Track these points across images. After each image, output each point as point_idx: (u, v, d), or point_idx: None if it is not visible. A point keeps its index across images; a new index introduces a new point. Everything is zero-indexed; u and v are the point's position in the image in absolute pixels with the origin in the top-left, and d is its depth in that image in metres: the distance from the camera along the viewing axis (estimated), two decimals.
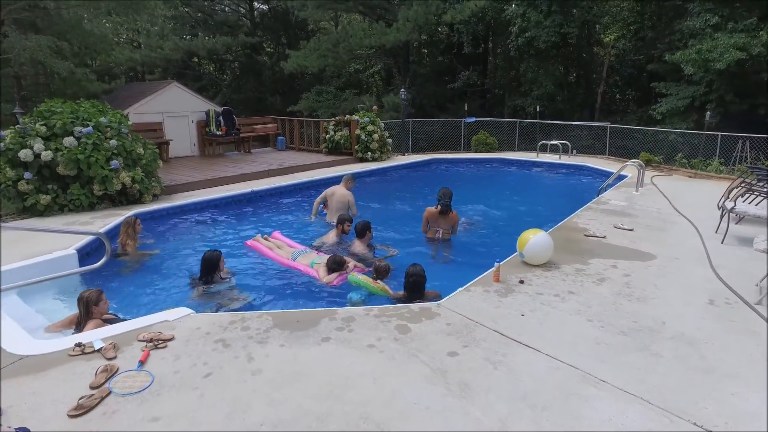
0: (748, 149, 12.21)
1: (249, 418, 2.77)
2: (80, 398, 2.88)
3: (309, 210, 8.59)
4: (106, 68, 23.32)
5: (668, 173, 12.09)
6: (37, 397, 2.95)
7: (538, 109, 18.07)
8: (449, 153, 15.93)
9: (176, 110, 14.11)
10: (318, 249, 6.51)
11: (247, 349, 3.51)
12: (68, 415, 2.75)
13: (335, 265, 5.47)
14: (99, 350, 3.43)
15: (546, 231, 5.66)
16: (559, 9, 18.83)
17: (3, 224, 6.84)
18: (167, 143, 13.15)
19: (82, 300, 4.00)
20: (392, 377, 3.18)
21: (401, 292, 4.84)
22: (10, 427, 2.58)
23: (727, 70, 13.95)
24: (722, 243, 6.15)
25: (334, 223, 6.91)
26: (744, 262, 5.43)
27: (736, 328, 3.92)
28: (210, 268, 5.09)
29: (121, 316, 4.31)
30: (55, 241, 5.89)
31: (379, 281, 5.10)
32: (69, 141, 7.62)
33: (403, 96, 15.69)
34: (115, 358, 3.37)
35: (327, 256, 5.70)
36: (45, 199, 7.51)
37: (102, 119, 8.14)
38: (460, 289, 4.64)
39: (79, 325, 4.00)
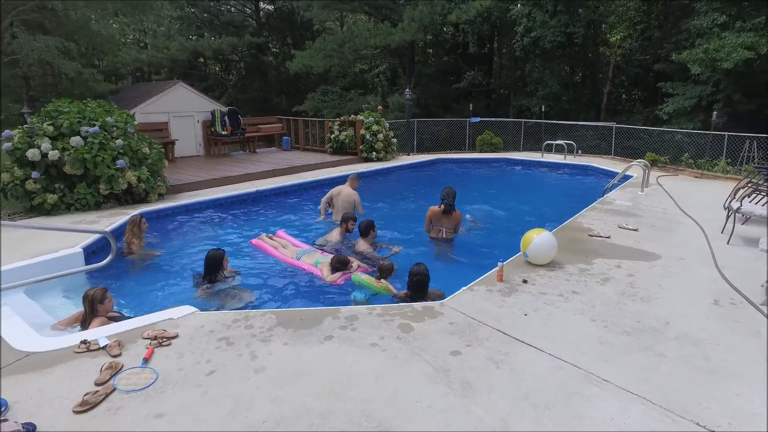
0: (756, 149, 12.13)
1: (252, 415, 2.79)
2: (85, 394, 2.90)
3: (313, 210, 8.63)
4: (113, 69, 23.47)
5: (674, 173, 12.02)
6: (43, 393, 2.98)
7: (543, 109, 18.03)
8: (454, 153, 15.91)
9: (182, 110, 14.19)
10: (322, 247, 6.54)
11: (251, 347, 3.53)
12: (73, 411, 2.78)
13: (339, 265, 5.48)
14: (104, 347, 3.47)
15: (550, 231, 5.64)
16: (564, 9, 18.79)
17: (11, 223, 6.93)
18: (173, 143, 13.24)
19: (87, 298, 4.03)
20: (394, 376, 3.19)
21: (405, 291, 4.84)
22: (17, 422, 2.61)
23: (734, 70, 13.88)
24: (728, 243, 6.12)
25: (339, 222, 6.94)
26: (750, 263, 5.40)
27: (741, 328, 3.90)
28: (213, 267, 5.12)
29: (125, 314, 4.35)
30: (62, 240, 5.94)
31: (382, 280, 5.11)
32: (76, 140, 7.68)
33: (407, 96, 15.69)
34: (119, 355, 3.39)
35: (331, 256, 5.72)
36: (52, 198, 7.58)
37: (108, 119, 8.20)
38: (464, 288, 4.64)
39: (84, 322, 4.03)
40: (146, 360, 3.32)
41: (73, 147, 7.65)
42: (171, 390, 3.02)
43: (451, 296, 4.48)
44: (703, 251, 5.84)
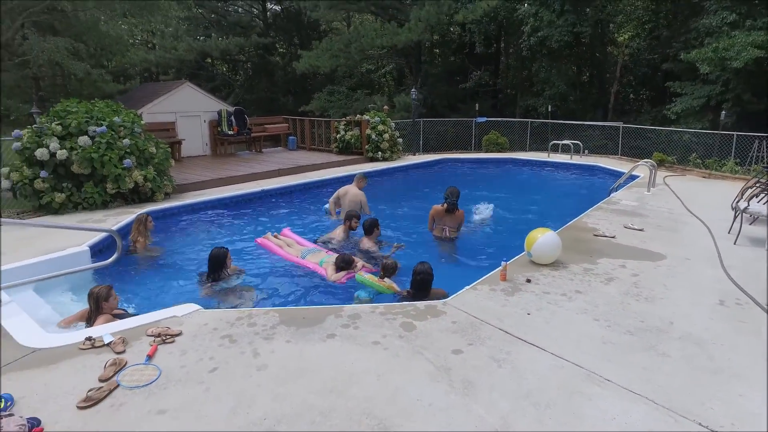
0: (765, 149, 12.01)
1: (253, 412, 2.80)
2: (89, 390, 2.94)
3: (318, 209, 8.67)
4: (122, 69, 23.67)
5: (682, 173, 11.93)
6: (48, 389, 3.02)
7: (550, 109, 17.95)
8: (460, 153, 15.89)
9: (189, 110, 14.27)
10: (325, 245, 6.56)
11: (253, 344, 3.55)
12: (77, 407, 2.82)
13: (344, 264, 5.50)
14: (108, 344, 3.50)
15: (554, 230, 5.62)
16: (571, 8, 18.69)
17: (20, 221, 7.01)
18: (180, 142, 13.33)
19: (92, 295, 4.07)
20: (396, 374, 3.20)
21: (407, 290, 4.84)
22: (22, 417, 2.65)
23: (744, 69, 13.74)
24: (735, 244, 6.06)
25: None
26: (756, 263, 5.35)
27: (746, 329, 3.86)
28: (217, 265, 5.16)
29: (130, 312, 4.38)
30: (69, 238, 6.00)
31: (386, 279, 5.11)
32: (83, 140, 7.75)
33: (413, 96, 15.69)
34: (123, 352, 3.43)
35: (336, 255, 5.73)
36: (60, 197, 7.66)
37: (115, 119, 8.28)
38: (467, 287, 4.64)
39: (89, 319, 4.07)
40: (150, 357, 3.35)
41: (80, 146, 7.73)
42: (174, 387, 3.04)
43: (454, 295, 4.48)
44: (709, 251, 5.80)
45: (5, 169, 7.73)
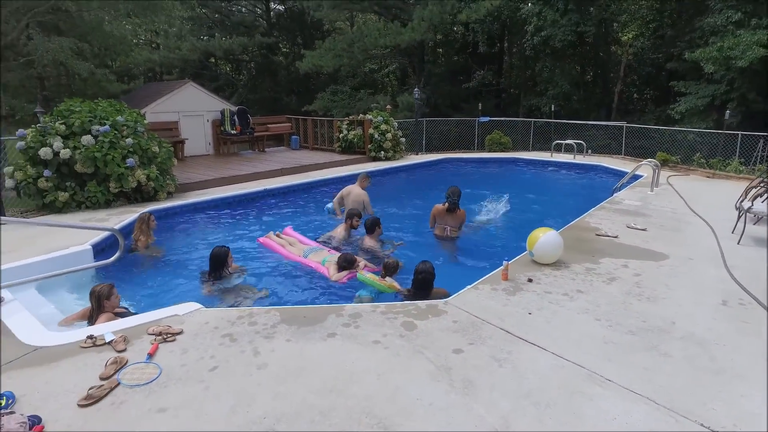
0: None
1: (253, 411, 2.80)
2: (90, 388, 2.94)
3: (321, 209, 8.67)
4: (126, 69, 23.74)
5: (685, 173, 11.88)
6: (49, 387, 3.03)
7: (553, 109, 17.89)
8: (463, 152, 15.86)
9: (192, 109, 14.31)
10: (327, 243, 6.56)
11: (254, 343, 3.56)
12: (78, 405, 2.82)
13: (346, 263, 5.49)
14: (109, 343, 3.51)
15: (557, 230, 5.61)
16: (575, 7, 18.63)
17: (24, 220, 7.05)
18: (183, 142, 13.37)
19: (94, 294, 4.08)
20: (396, 373, 3.19)
21: (408, 289, 4.84)
22: (23, 415, 2.66)
23: (749, 68, 13.66)
24: (738, 243, 6.03)
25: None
26: (760, 263, 5.32)
27: (749, 329, 3.84)
28: (218, 264, 5.17)
29: (132, 310, 4.40)
30: (72, 237, 6.03)
31: (387, 278, 5.11)
32: (87, 139, 7.78)
33: (416, 95, 15.67)
34: (124, 350, 3.44)
35: (338, 254, 5.73)
36: (63, 196, 7.69)
37: (119, 118, 8.30)
38: (468, 286, 4.63)
39: (91, 318, 4.09)
40: (150, 355, 3.35)
41: (84, 146, 7.76)
42: (174, 385, 3.05)
43: (455, 294, 4.47)
44: (712, 251, 5.77)
45: (9, 168, 7.77)
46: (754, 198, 6.51)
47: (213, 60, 29.38)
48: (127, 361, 3.27)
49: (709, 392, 3.01)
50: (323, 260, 5.83)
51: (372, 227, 6.41)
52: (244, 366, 3.26)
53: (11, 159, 8.23)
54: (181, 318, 3.95)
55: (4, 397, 2.81)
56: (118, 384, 3.03)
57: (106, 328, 3.74)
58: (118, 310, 4.19)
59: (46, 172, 7.65)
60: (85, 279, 5.27)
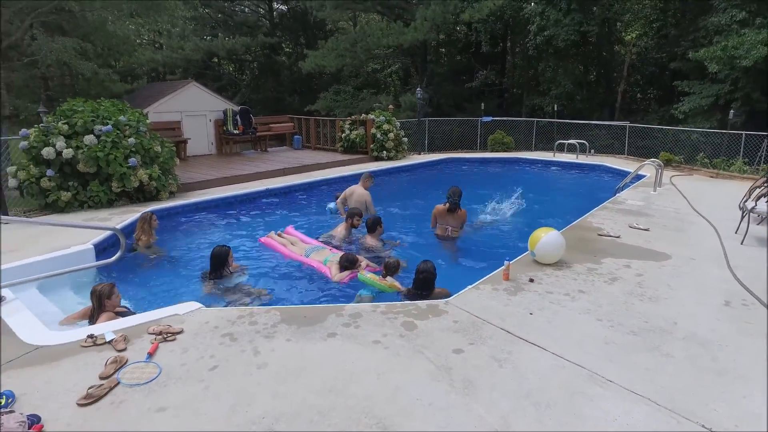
0: None
1: (252, 410, 2.80)
2: (89, 388, 2.94)
3: (323, 208, 8.67)
4: (129, 69, 23.81)
5: (689, 173, 11.83)
6: (49, 386, 3.03)
7: (556, 109, 17.85)
8: (465, 152, 15.84)
9: (194, 109, 14.34)
10: (328, 243, 6.56)
11: (254, 343, 3.55)
12: (77, 404, 2.82)
13: (348, 263, 5.48)
14: (110, 342, 3.51)
15: (559, 230, 5.58)
16: (578, 7, 18.57)
17: (26, 219, 7.07)
18: (185, 142, 13.38)
19: (95, 293, 4.09)
20: (396, 373, 3.18)
21: (408, 288, 4.83)
22: (22, 414, 2.66)
23: (754, 67, 13.58)
24: (742, 244, 6.00)
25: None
26: (763, 264, 5.28)
27: (752, 330, 3.81)
28: (219, 263, 5.17)
29: (132, 309, 4.40)
30: (74, 237, 6.04)
31: (388, 278, 5.10)
32: (89, 139, 7.80)
33: (419, 95, 15.65)
34: (125, 350, 3.44)
35: (340, 254, 5.72)
36: (66, 195, 7.72)
37: (121, 118, 8.32)
38: (469, 286, 4.62)
39: (92, 317, 4.09)
40: (150, 355, 3.36)
41: (86, 145, 7.78)
42: (174, 384, 3.05)
43: (456, 294, 4.45)
44: (715, 251, 5.74)
45: (12, 168, 7.80)
46: (758, 198, 6.48)
47: (216, 60, 29.44)
48: (127, 361, 3.27)
49: (711, 393, 2.99)
50: (325, 259, 5.83)
51: (373, 226, 6.41)
52: (244, 365, 3.26)
53: (14, 159, 8.26)
54: (182, 317, 3.96)
55: (4, 396, 2.82)
56: (118, 383, 3.03)
57: (107, 328, 3.75)
58: (118, 309, 4.20)
59: (49, 172, 7.67)
60: (86, 278, 5.28)
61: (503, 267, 4.83)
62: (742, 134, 12.00)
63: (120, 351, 3.41)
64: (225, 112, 14.63)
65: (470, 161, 14.66)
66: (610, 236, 6.30)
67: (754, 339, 3.67)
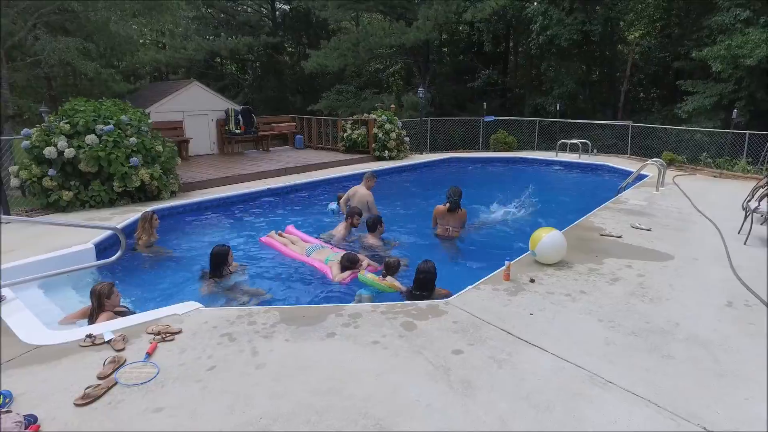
0: None
1: (250, 410, 2.79)
2: (87, 387, 2.94)
3: (324, 208, 8.67)
4: (132, 69, 23.84)
5: (692, 173, 11.77)
6: (47, 385, 3.03)
7: (558, 108, 17.79)
8: (467, 152, 15.81)
9: (196, 109, 14.35)
10: (328, 242, 6.55)
11: (252, 343, 3.54)
12: (75, 404, 2.82)
13: (349, 263, 5.47)
14: (109, 342, 3.51)
15: (560, 230, 5.56)
16: (581, 6, 18.51)
17: (27, 218, 7.08)
18: (187, 141, 13.39)
19: (94, 293, 4.09)
20: (395, 373, 3.17)
21: (408, 288, 4.81)
22: (19, 414, 2.65)
23: (758, 67, 13.51)
24: (745, 244, 5.96)
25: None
26: (766, 264, 5.24)
27: (755, 330, 3.78)
28: (218, 262, 5.16)
29: (132, 309, 4.39)
30: (75, 236, 6.04)
31: (388, 278, 5.08)
32: (91, 139, 7.80)
33: (421, 95, 15.63)
34: (123, 349, 3.43)
35: (342, 253, 5.70)
36: (67, 195, 7.73)
37: (123, 117, 8.33)
38: (470, 287, 4.60)
39: (91, 317, 4.09)
40: (149, 355, 3.35)
41: (88, 145, 7.78)
42: (171, 384, 3.04)
43: (456, 295, 4.44)
44: (718, 251, 5.70)
45: (14, 168, 7.82)
46: (762, 198, 6.43)
47: (218, 60, 29.44)
48: (125, 361, 3.27)
49: (713, 395, 2.97)
50: (326, 259, 5.81)
51: (374, 226, 6.40)
52: (242, 366, 3.25)
53: (17, 158, 8.28)
54: (181, 317, 3.95)
55: (2, 396, 2.81)
56: (116, 383, 3.03)
57: (106, 327, 3.74)
58: (118, 309, 4.19)
59: (51, 171, 7.69)
60: (86, 278, 5.28)
61: (504, 267, 4.81)
62: (745, 134, 11.94)
63: (118, 351, 3.40)
64: (227, 112, 14.63)
65: (473, 161, 14.63)
66: (612, 236, 6.26)
67: (757, 340, 3.64)
